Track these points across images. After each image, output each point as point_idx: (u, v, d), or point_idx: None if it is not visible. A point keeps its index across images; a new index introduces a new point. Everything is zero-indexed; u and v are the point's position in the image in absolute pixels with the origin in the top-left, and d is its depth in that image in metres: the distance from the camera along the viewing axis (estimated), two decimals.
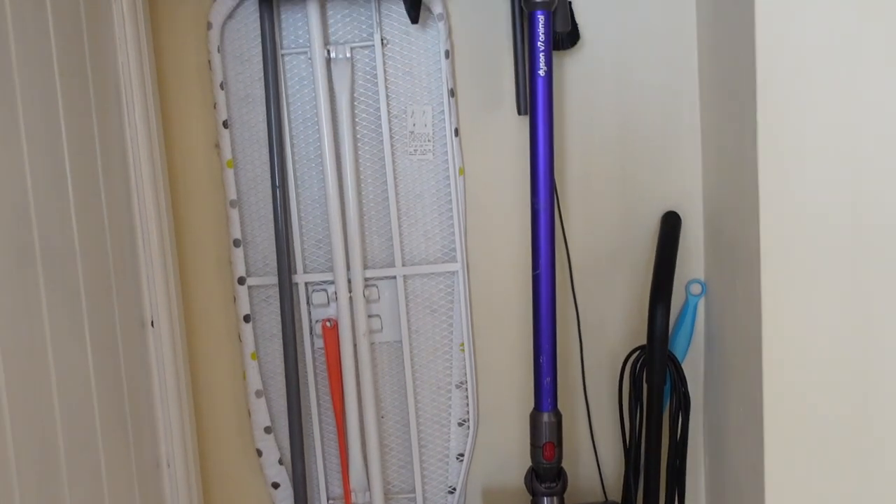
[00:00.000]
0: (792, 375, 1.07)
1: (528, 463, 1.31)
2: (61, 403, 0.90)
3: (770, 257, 1.05)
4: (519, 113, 1.30)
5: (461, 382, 1.41)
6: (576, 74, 1.35)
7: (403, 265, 1.39)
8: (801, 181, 1.03)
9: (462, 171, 1.36)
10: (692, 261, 1.38)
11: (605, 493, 1.42)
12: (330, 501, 1.45)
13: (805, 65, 1.01)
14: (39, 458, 0.85)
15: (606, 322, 1.41)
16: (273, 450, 1.43)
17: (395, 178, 1.37)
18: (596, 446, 1.42)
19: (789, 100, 1.02)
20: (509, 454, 1.44)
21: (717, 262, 1.31)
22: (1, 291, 0.81)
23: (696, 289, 1.37)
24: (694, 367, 1.39)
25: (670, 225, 1.35)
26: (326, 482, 1.45)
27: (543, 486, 1.30)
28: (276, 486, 1.43)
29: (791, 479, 1.09)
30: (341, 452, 1.42)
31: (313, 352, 1.42)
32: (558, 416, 1.28)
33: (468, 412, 1.41)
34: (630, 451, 1.34)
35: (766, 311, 1.07)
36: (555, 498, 1.30)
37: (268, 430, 1.42)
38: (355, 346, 1.38)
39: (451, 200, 1.37)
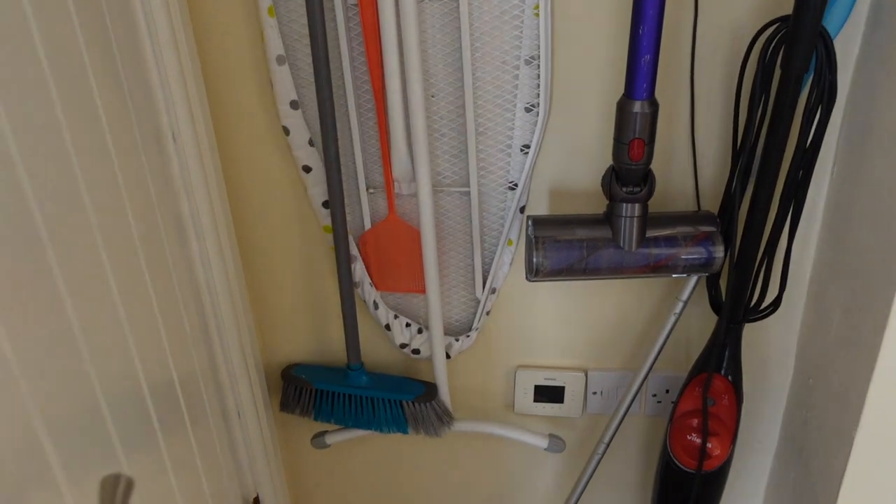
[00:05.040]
0: None
1: (609, 161, 1.06)
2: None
3: None
4: None
5: (532, 57, 1.11)
6: None
7: None
8: None
9: None
10: None
11: (698, 203, 1.17)
12: (370, 190, 1.25)
13: None
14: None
15: None
16: (301, 128, 1.20)
17: None
18: (696, 147, 1.14)
19: None
20: (586, 149, 1.18)
21: None
22: None
23: None
24: (845, 51, 1.05)
25: None
26: (365, 168, 1.23)
27: (625, 189, 1.06)
28: (307, 169, 1.23)
29: None
30: (381, 135, 1.19)
31: (346, 9, 1.11)
32: (654, 105, 0.99)
33: (539, 95, 1.13)
34: (740, 156, 1.07)
35: None
36: (637, 205, 1.07)
37: (294, 104, 1.18)
38: (398, 3, 1.07)
39: None
